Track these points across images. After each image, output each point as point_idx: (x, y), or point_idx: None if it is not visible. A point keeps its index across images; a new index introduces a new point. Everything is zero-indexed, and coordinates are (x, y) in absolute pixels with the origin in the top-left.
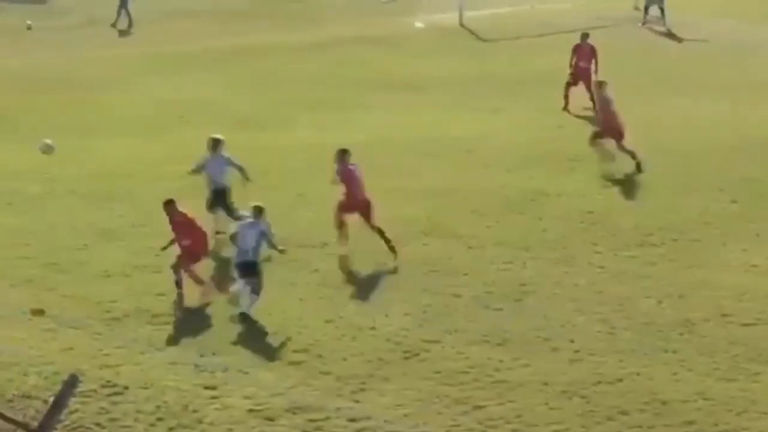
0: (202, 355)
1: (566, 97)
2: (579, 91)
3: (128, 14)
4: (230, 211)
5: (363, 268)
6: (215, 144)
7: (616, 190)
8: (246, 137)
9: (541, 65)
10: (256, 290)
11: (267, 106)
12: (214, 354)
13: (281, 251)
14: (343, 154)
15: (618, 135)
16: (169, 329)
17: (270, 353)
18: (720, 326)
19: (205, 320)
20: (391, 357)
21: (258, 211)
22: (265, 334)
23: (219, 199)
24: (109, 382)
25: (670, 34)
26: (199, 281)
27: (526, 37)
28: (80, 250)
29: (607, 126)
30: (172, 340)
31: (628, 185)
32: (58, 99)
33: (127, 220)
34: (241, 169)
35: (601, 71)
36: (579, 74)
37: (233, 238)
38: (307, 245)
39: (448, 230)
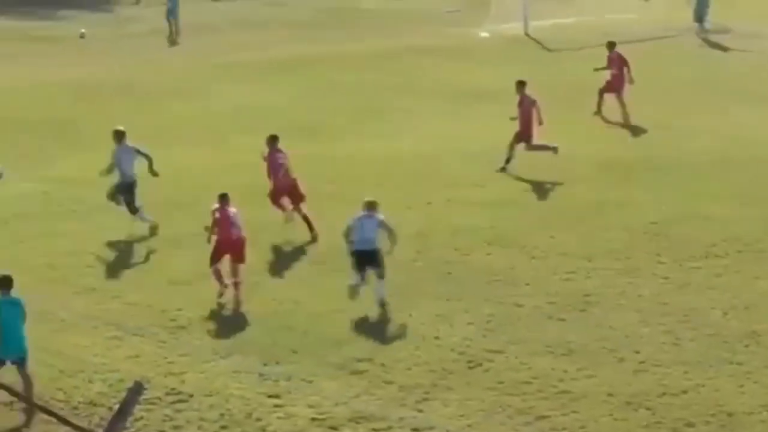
0: (265, 364)
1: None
2: (629, 101)
3: (176, 25)
4: (133, 208)
5: (426, 277)
6: (119, 135)
7: (680, 200)
8: (312, 146)
9: (604, 75)
10: (382, 275)
11: (333, 114)
12: (277, 363)
13: (393, 242)
14: (272, 140)
15: (527, 137)
16: (233, 337)
17: (333, 362)
18: None
19: (268, 328)
20: (455, 367)
21: (372, 205)
22: (328, 342)
23: (124, 192)
24: (173, 389)
25: (720, 45)
26: (218, 278)
27: (589, 47)
28: (145, 258)
29: (524, 127)
30: (236, 348)
31: (692, 195)
32: (122, 107)
33: (190, 228)
34: (148, 157)
35: (659, 80)
36: (612, 81)
37: (348, 232)
38: None
39: (511, 240)
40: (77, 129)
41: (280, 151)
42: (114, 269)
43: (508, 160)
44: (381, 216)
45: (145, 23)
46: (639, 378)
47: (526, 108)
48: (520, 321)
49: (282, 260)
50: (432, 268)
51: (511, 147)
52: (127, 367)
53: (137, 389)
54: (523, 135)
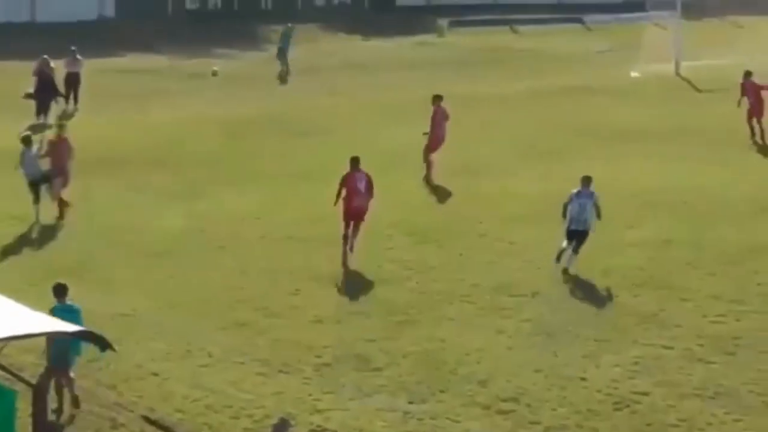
0: (410, 402)
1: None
2: None
3: (285, 63)
4: (37, 199)
5: (575, 318)
6: (25, 141)
7: None
8: (464, 184)
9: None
10: (577, 250)
11: (486, 153)
12: (423, 401)
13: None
14: (354, 162)
15: (434, 148)
16: (379, 375)
17: (479, 401)
18: None
19: (415, 366)
20: (601, 408)
21: (588, 180)
22: (475, 381)
23: (35, 188)
24: (318, 426)
25: None
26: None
27: None
28: (293, 295)
29: (435, 138)
30: (382, 386)
31: None
32: (272, 145)
33: (340, 265)
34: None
35: None
36: (751, 109)
37: (566, 208)
38: (517, 294)
39: (661, 281)
40: (228, 166)
41: (360, 171)
42: (262, 305)
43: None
44: (596, 193)
45: (293, 61)
46: None
47: None
48: (669, 363)
49: (430, 298)
50: (580, 309)
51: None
52: (272, 404)
53: (283, 425)
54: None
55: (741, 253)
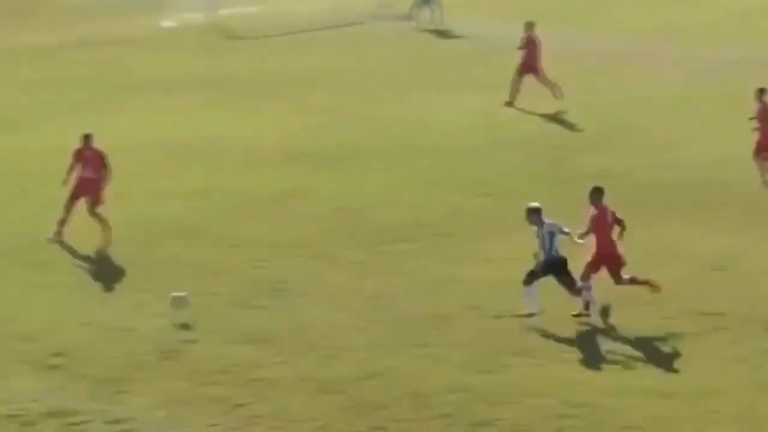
0: None
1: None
2: None
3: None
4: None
5: (116, 270)
6: None
7: (366, 187)
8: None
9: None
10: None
11: (16, 108)
12: None
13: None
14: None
15: None
16: None
17: (27, 358)
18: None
19: None
20: (149, 359)
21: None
22: (21, 337)
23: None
24: None
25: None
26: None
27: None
28: None
29: None
30: None
31: (379, 182)
32: None
33: None
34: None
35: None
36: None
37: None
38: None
39: (203, 230)
40: None
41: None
42: None
43: None
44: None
45: None
46: (332, 363)
47: None
48: (215, 310)
49: None
50: (121, 261)
51: None
52: None
53: None
54: None
55: (273, 200)
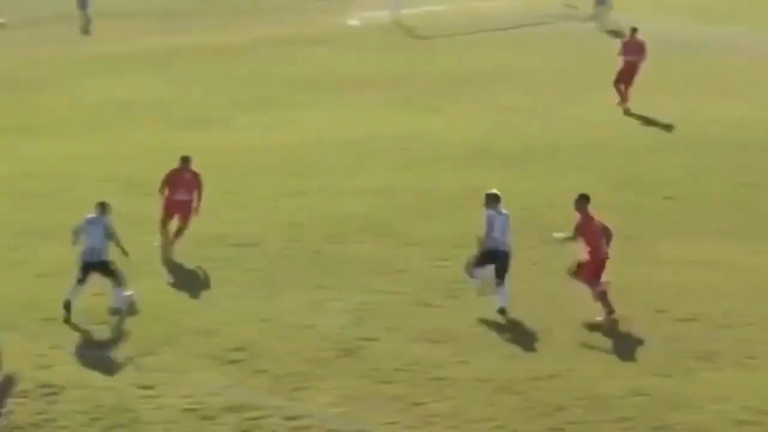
0: (137, 355)
1: (619, 92)
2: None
3: (86, 15)
4: None
5: (299, 267)
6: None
7: (552, 186)
8: (187, 137)
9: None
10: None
11: (209, 106)
12: (149, 353)
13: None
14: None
15: None
16: (105, 329)
17: (206, 353)
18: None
19: (138, 319)
20: (327, 355)
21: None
22: (201, 333)
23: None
24: (44, 382)
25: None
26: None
27: (462, 34)
28: (13, 251)
29: None
30: (109, 341)
31: (565, 182)
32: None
33: (59, 219)
34: None
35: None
36: (626, 68)
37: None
38: (238, 244)
39: (385, 228)
40: None
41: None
42: None
43: None
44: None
45: (15, 15)
46: (511, 363)
47: None
48: (394, 308)
49: (149, 251)
50: (303, 257)
51: None
52: None
53: (7, 383)
54: None
55: (460, 197)
